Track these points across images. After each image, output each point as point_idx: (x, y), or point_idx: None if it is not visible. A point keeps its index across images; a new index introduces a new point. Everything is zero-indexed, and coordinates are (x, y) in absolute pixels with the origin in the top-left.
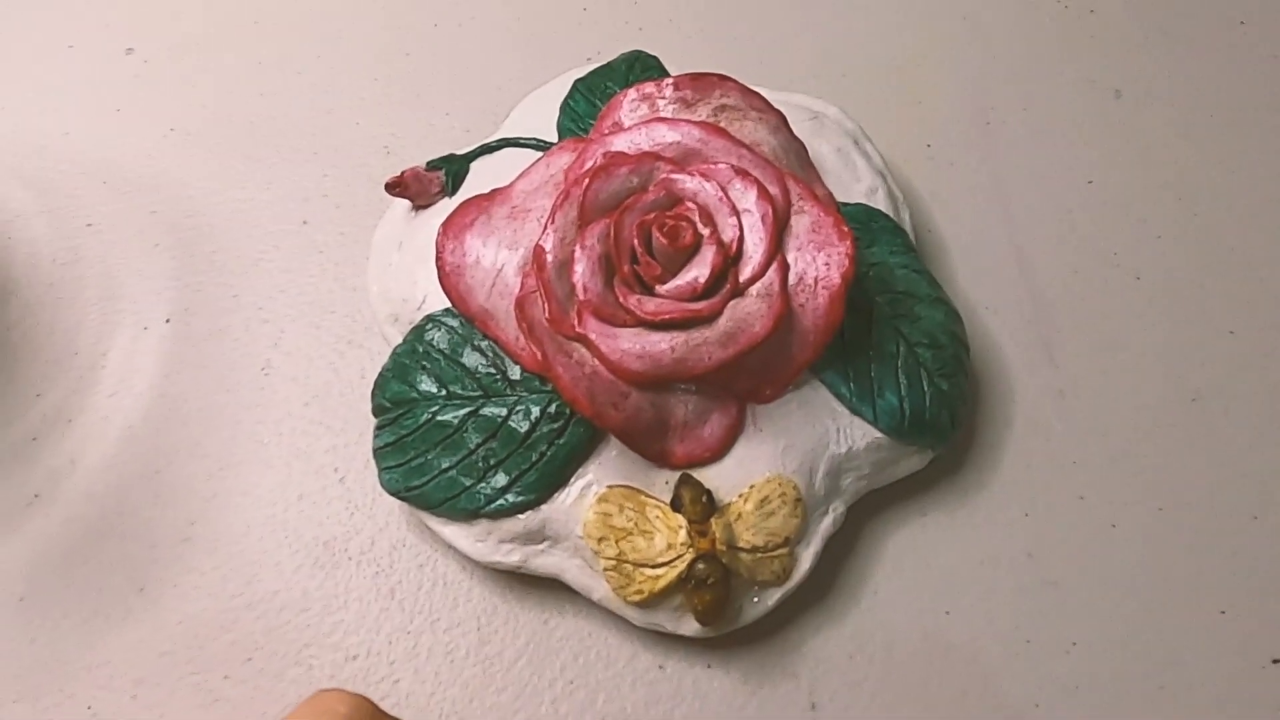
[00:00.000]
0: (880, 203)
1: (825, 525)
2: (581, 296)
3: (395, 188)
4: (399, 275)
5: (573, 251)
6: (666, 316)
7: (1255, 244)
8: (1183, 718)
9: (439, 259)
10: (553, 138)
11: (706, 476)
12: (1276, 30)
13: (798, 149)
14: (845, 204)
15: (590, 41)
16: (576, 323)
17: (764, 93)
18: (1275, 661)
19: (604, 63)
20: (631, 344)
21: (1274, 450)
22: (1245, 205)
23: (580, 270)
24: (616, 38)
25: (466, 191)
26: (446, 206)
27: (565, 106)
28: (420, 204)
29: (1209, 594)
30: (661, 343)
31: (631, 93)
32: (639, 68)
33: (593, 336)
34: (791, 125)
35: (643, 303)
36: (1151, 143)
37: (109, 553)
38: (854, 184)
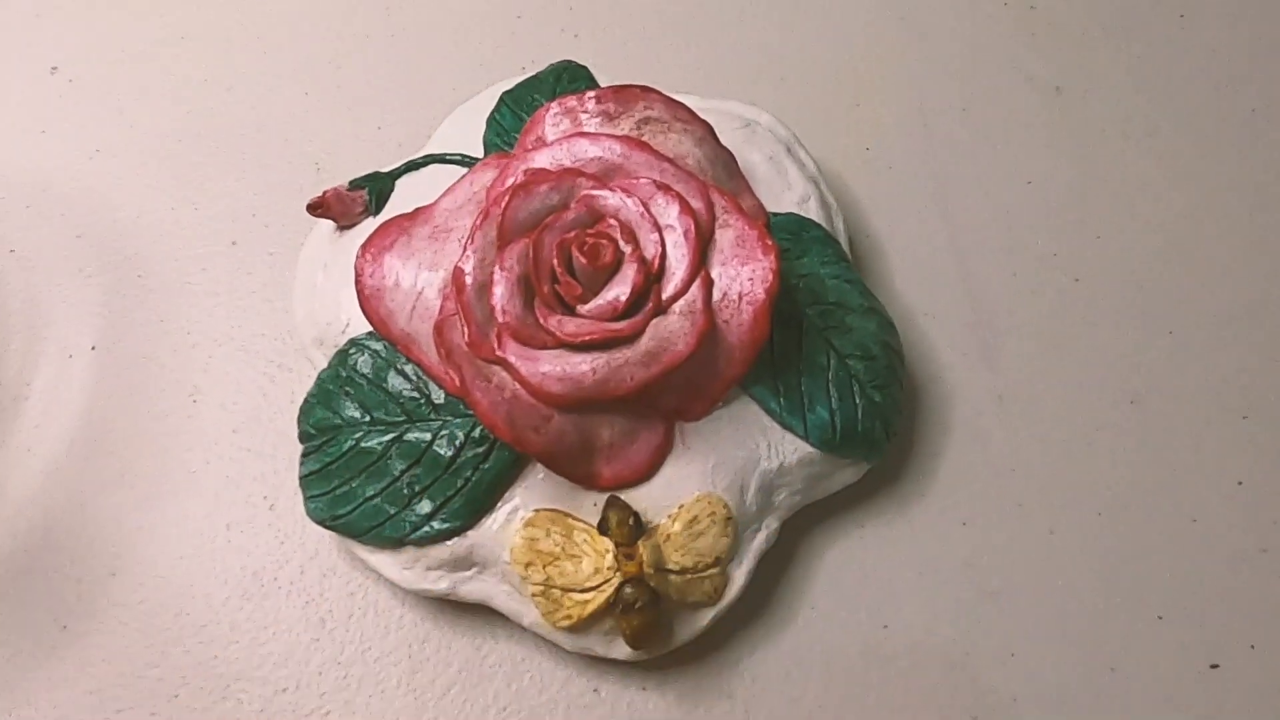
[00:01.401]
0: (812, 211)
1: (758, 542)
2: (500, 319)
3: (317, 209)
4: (323, 298)
5: (492, 273)
6: (587, 337)
7: (1194, 244)
8: None
9: (358, 281)
10: (479, 153)
11: (635, 498)
12: (1217, 25)
13: (725, 159)
14: (776, 214)
15: (525, 50)
16: (496, 346)
17: (696, 101)
18: (1214, 666)
19: (533, 74)
20: (552, 366)
21: (1212, 452)
22: (1185, 204)
23: (499, 292)
24: (551, 46)
25: (391, 210)
26: (370, 227)
27: (491, 120)
28: (344, 224)
29: (1147, 599)
30: (583, 364)
31: (554, 106)
32: (567, 79)
33: (512, 359)
34: (722, 134)
35: (563, 323)
36: (1092, 141)
37: (31, 588)
38: (785, 193)
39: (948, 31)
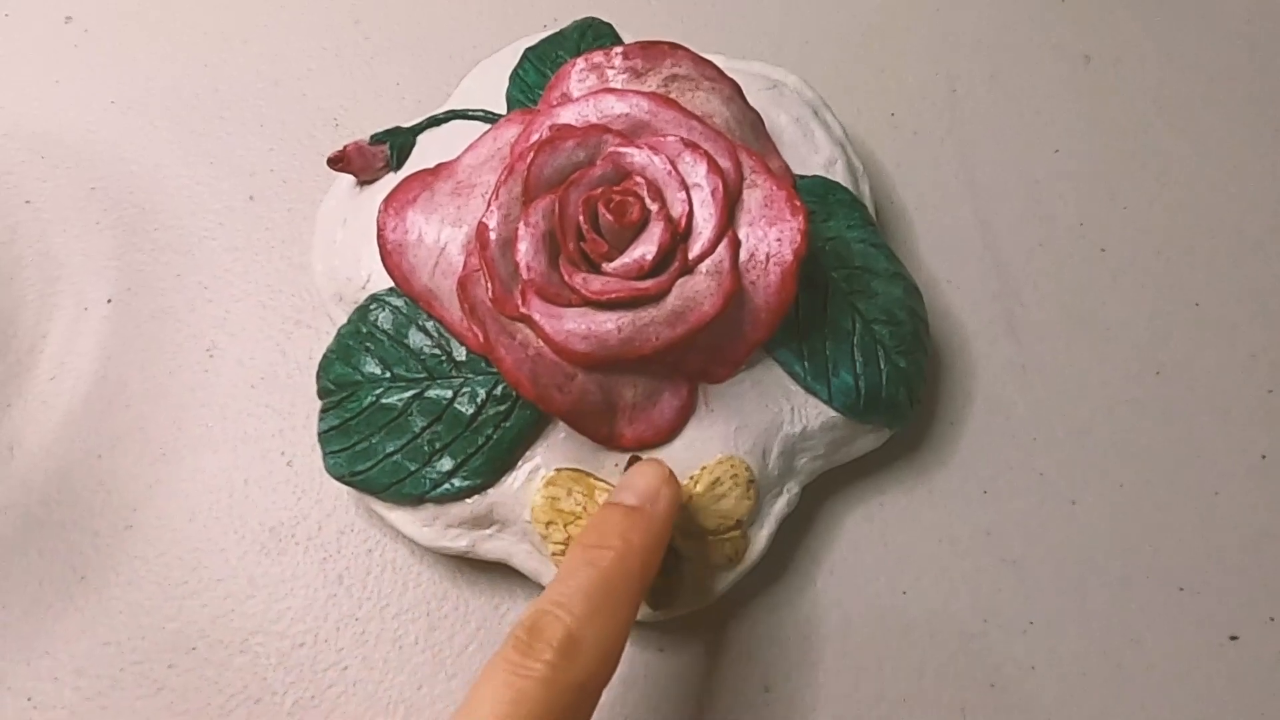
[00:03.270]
0: (839, 175)
1: (779, 506)
2: (525, 276)
3: (338, 163)
4: (343, 253)
5: (516, 229)
6: (613, 295)
7: (1221, 215)
8: (1141, 695)
9: (380, 237)
10: (502, 109)
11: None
12: None
13: (753, 120)
14: (802, 176)
15: (546, 7)
16: (520, 303)
17: (721, 61)
18: (1233, 638)
19: (557, 30)
20: (577, 324)
21: (1236, 426)
22: (1213, 175)
23: (524, 248)
24: (573, 3)
25: (412, 166)
26: (392, 182)
27: (515, 76)
28: (365, 179)
29: (1168, 571)
30: (608, 323)
31: (580, 62)
32: (591, 35)
33: (537, 317)
34: (749, 95)
35: (588, 281)
36: (1120, 111)
37: (49, 541)
38: (812, 155)
39: None
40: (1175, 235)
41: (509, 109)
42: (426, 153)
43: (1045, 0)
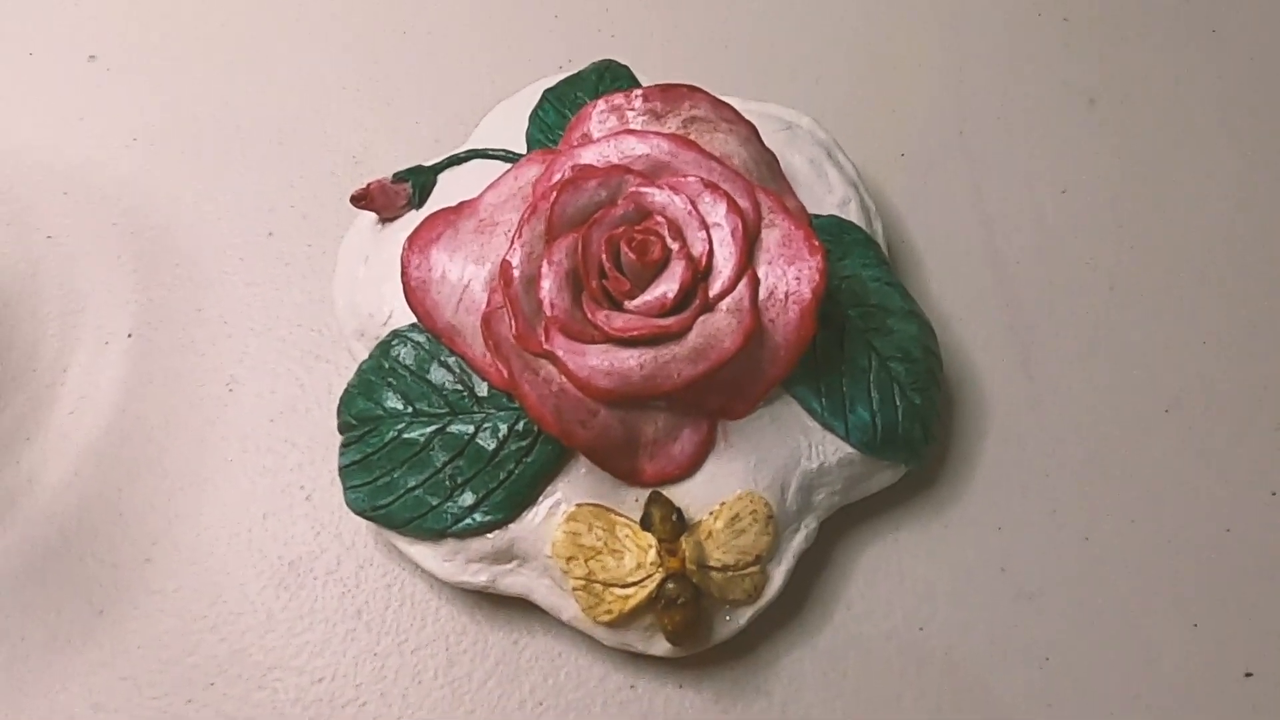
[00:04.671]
0: (853, 214)
1: (797, 542)
2: (549, 313)
3: (360, 200)
4: (365, 289)
5: (540, 267)
6: (635, 333)
7: (1229, 252)
8: None
9: (404, 274)
10: (522, 148)
11: (677, 494)
12: (1249, 37)
13: (769, 160)
14: (817, 216)
15: (561, 49)
16: (544, 339)
17: (736, 102)
18: (1249, 675)
19: (574, 72)
20: (599, 361)
21: (1247, 462)
22: (1219, 212)
23: (547, 286)
24: (588, 45)
25: (434, 204)
26: (413, 219)
27: (534, 117)
28: (386, 216)
29: (1182, 607)
30: (630, 359)
31: (601, 104)
32: (609, 77)
33: (560, 353)
34: (763, 136)
35: (611, 319)
36: (1126, 150)
37: (68, 574)
38: (826, 195)
39: (984, 39)
40: (1183, 272)
41: (529, 148)
42: (448, 191)
43: (1051, 41)
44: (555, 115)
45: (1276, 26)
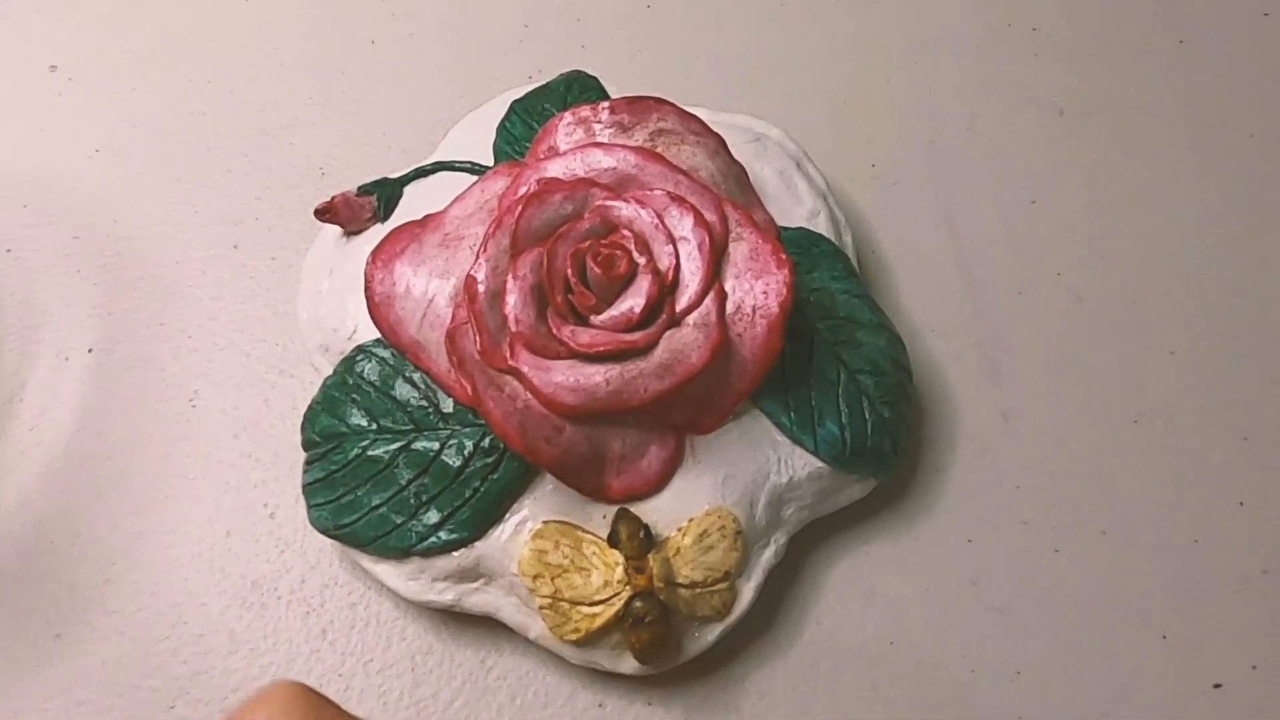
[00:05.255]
0: (822, 226)
1: (766, 557)
2: (514, 328)
3: (325, 214)
4: (329, 303)
5: (505, 281)
6: (601, 348)
7: (1197, 263)
8: None
9: (368, 288)
10: (489, 161)
11: (645, 510)
12: (1216, 48)
13: (737, 173)
14: (786, 228)
15: (532, 60)
16: (508, 355)
17: (705, 114)
18: (1217, 686)
19: (543, 83)
20: (565, 377)
21: (1215, 472)
22: (1187, 225)
23: (512, 301)
24: (559, 56)
25: (399, 217)
26: (379, 233)
27: (502, 129)
28: (351, 230)
29: (1151, 619)
30: (596, 375)
31: (567, 116)
32: (577, 89)
33: (525, 369)
34: (732, 148)
35: (576, 334)
36: (1094, 161)
37: (25, 595)
38: (795, 208)
39: (953, 51)
40: (1151, 283)
41: (496, 161)
42: (413, 204)
43: (1020, 54)
44: (523, 127)
45: (1243, 38)
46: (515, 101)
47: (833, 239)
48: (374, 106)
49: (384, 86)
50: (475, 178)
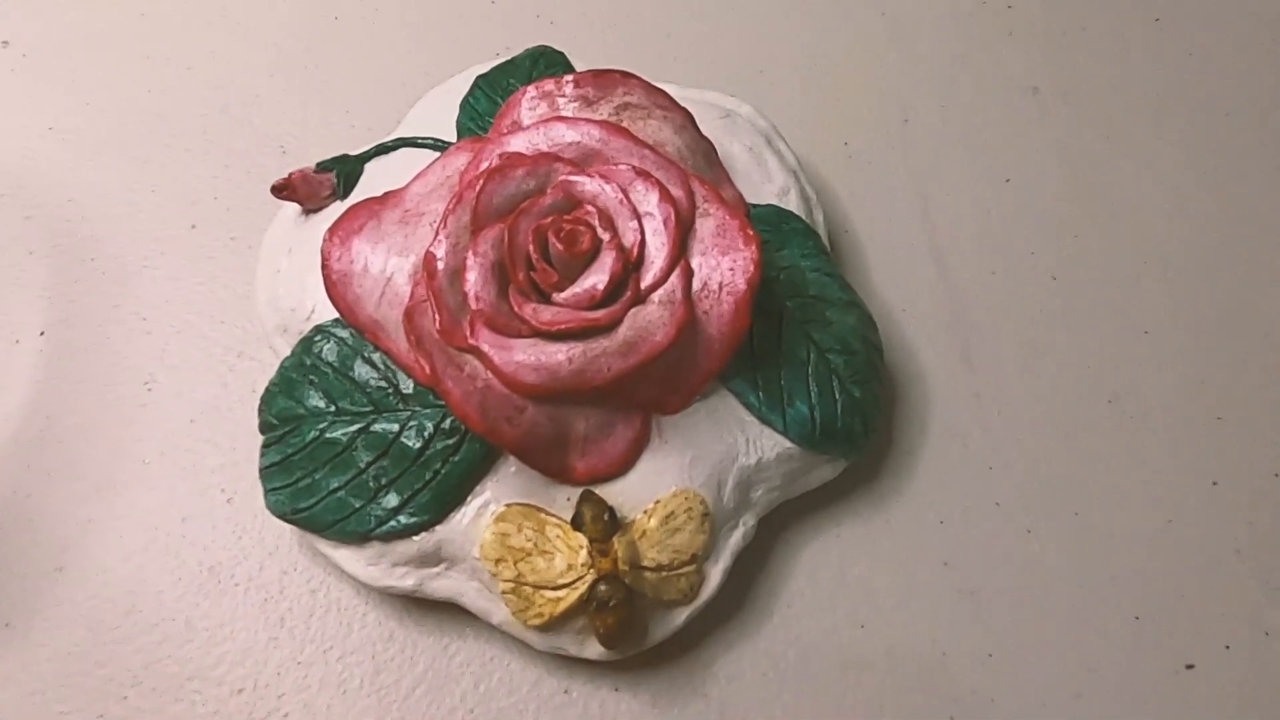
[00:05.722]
0: (792, 204)
1: (735, 539)
2: (474, 306)
3: (282, 190)
4: (287, 283)
5: (465, 258)
6: (563, 326)
7: (1171, 244)
8: None
9: (325, 266)
10: (452, 137)
11: (610, 492)
12: (1192, 27)
13: (705, 148)
14: (756, 205)
15: (499, 36)
16: (469, 334)
17: (674, 90)
18: (1189, 667)
19: (509, 58)
20: (526, 355)
21: (1188, 453)
22: (1161, 205)
23: (472, 278)
24: (527, 32)
25: (360, 194)
26: (338, 210)
27: (465, 104)
28: (310, 208)
29: (1124, 600)
30: (558, 354)
31: (531, 90)
32: (544, 64)
33: (485, 348)
34: (702, 124)
35: (538, 312)
36: (1068, 140)
37: None
38: (765, 184)
39: (927, 29)
40: (1124, 263)
41: (459, 137)
42: (375, 181)
43: (995, 32)
44: (487, 102)
45: (1219, 16)
46: (480, 76)
47: (803, 216)
48: (338, 83)
49: (348, 63)
50: (438, 154)
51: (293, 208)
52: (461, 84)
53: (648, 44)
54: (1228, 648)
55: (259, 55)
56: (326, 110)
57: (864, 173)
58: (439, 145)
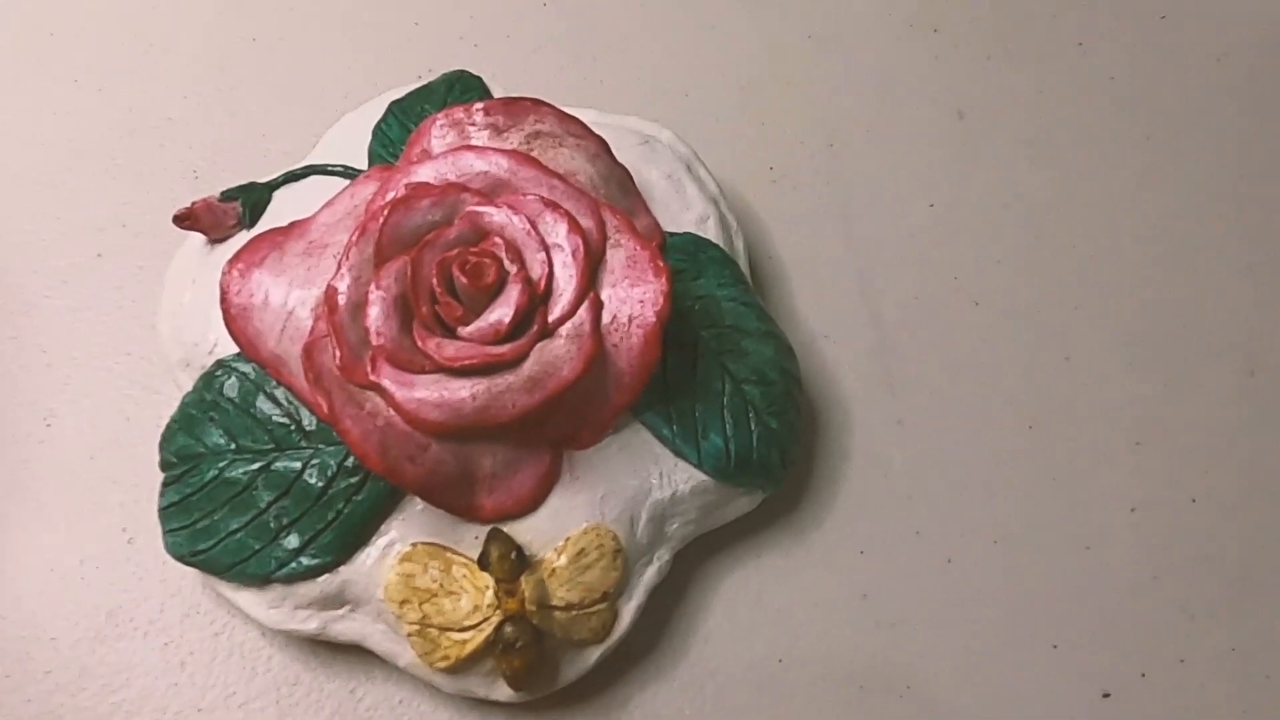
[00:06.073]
0: (711, 231)
1: (649, 575)
2: (375, 341)
3: (185, 220)
4: (191, 316)
5: (367, 292)
6: (467, 361)
7: (1092, 269)
8: None
9: (224, 299)
10: (364, 164)
11: (520, 530)
12: (1115, 52)
13: (620, 177)
14: (673, 234)
15: (422, 58)
16: (370, 370)
17: (594, 116)
18: (1106, 695)
19: (425, 83)
20: (429, 392)
21: (1107, 479)
22: (1084, 229)
23: (374, 313)
24: (449, 55)
25: (267, 224)
26: (244, 241)
27: (378, 131)
28: (215, 237)
29: (1042, 628)
30: (462, 390)
31: (440, 118)
32: (460, 89)
33: (387, 385)
34: (620, 150)
35: (442, 347)
36: (993, 165)
37: None
38: (683, 212)
39: (853, 52)
40: (1047, 289)
41: (370, 164)
42: (283, 210)
43: (920, 55)
44: (399, 129)
45: (1142, 40)
46: (394, 102)
47: (722, 244)
48: (254, 107)
49: (265, 86)
50: (347, 182)
51: (199, 237)
52: (376, 109)
53: (573, 67)
54: (1144, 675)
55: (172, 77)
56: (241, 134)
57: (788, 197)
58: (349, 173)
